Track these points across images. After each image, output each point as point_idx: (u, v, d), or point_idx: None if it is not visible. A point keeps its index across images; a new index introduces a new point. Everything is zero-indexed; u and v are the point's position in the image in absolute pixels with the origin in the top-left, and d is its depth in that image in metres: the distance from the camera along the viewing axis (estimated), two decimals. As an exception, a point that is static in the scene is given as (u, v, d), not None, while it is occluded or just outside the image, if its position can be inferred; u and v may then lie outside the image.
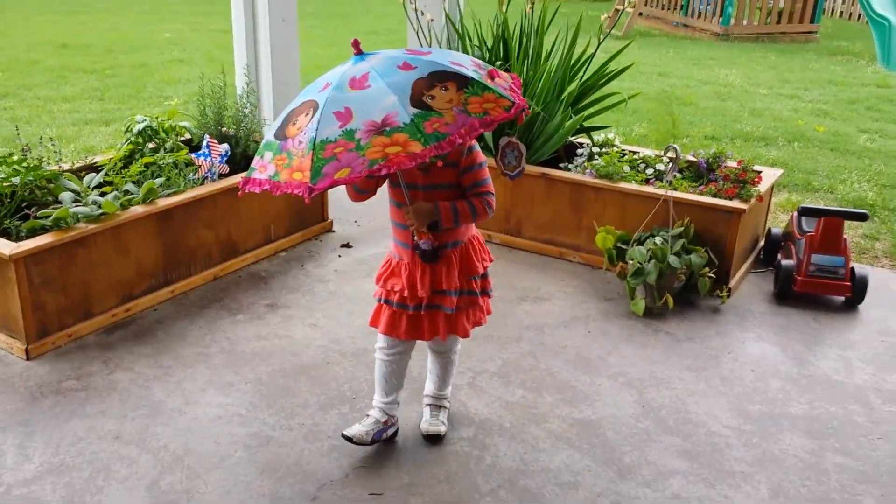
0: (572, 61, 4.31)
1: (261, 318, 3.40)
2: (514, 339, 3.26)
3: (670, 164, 3.79)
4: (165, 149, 3.96)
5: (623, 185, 3.84)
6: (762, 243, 4.15)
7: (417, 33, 4.59)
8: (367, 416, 2.60)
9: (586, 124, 4.45)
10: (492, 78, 2.12)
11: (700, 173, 4.09)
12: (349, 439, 2.51)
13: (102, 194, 3.46)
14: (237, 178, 3.77)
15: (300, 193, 1.90)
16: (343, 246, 4.18)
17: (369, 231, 4.39)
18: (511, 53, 4.45)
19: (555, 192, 4.04)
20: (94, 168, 3.83)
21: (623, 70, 4.41)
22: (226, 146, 3.88)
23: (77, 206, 3.29)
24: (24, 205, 3.40)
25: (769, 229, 4.09)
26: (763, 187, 3.78)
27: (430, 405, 2.70)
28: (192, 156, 3.79)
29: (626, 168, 4.00)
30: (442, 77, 2.02)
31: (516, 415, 2.76)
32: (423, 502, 2.35)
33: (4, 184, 3.38)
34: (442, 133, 1.92)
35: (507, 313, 3.48)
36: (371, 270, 3.87)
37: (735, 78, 8.77)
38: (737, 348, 3.21)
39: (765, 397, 2.88)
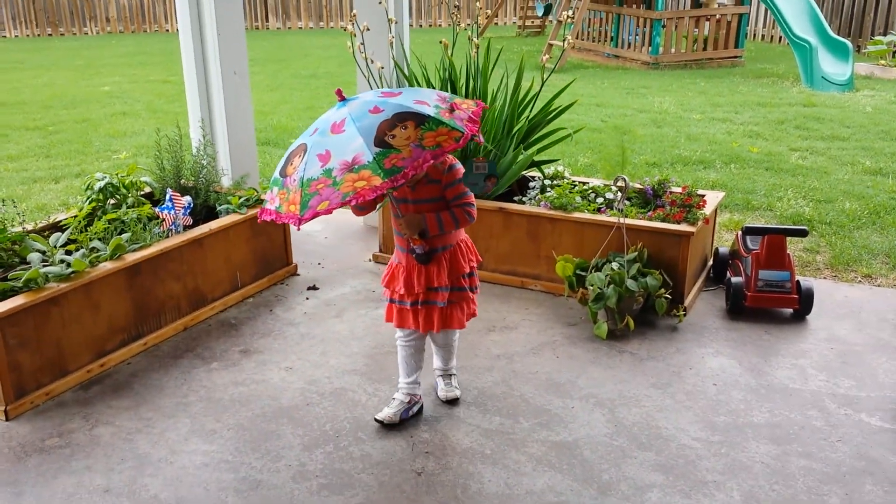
0: (519, 99, 4.51)
1: (235, 365, 3.44)
2: (486, 369, 3.37)
3: (620, 194, 3.98)
4: (127, 204, 4.00)
5: (577, 214, 4.01)
6: (711, 262, 4.37)
7: (368, 79, 4.73)
8: (394, 399, 3.02)
9: (536, 158, 4.64)
10: (451, 111, 2.49)
11: (647, 200, 4.30)
12: (381, 422, 2.94)
13: (68, 252, 3.48)
14: (202, 229, 3.83)
15: (292, 223, 2.32)
16: (309, 288, 4.25)
17: (333, 272, 4.48)
18: (458, 94, 4.62)
19: (512, 224, 4.19)
20: (57, 227, 3.84)
21: (567, 107, 4.61)
22: (188, 198, 3.94)
23: (46, 265, 3.31)
24: (-11, 266, 3.40)
25: (716, 249, 4.32)
26: (708, 210, 3.99)
27: (440, 376, 3.15)
28: (156, 209, 3.84)
29: (578, 198, 4.18)
30: (403, 117, 2.40)
31: (496, 442, 2.86)
32: (416, 532, 2.42)
33: (-31, 247, 3.38)
34: (398, 167, 2.30)
35: (477, 344, 3.59)
36: (339, 311, 3.97)
37: (669, 105, 9.14)
38: (697, 363, 3.39)
39: (728, 408, 3.05)
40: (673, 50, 12.57)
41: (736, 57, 12.64)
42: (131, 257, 3.46)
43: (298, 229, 2.37)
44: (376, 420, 2.95)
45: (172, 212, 3.81)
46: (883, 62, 11.60)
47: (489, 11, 17.56)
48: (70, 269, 3.24)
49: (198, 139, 4.58)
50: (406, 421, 2.98)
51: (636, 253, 3.76)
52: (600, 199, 4.21)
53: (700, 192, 4.13)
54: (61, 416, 3.05)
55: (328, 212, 2.27)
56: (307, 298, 4.14)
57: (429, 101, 2.48)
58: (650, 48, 12.45)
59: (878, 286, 4.17)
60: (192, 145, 4.67)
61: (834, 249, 4.60)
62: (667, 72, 11.96)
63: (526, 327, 3.75)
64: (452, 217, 2.74)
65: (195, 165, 4.31)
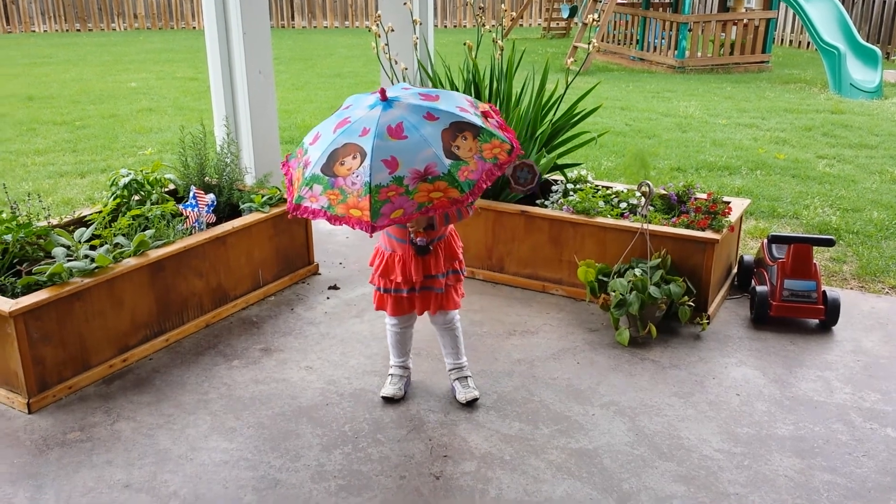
0: (543, 102, 4.49)
1: (256, 363, 3.45)
2: (506, 374, 3.36)
3: (644, 199, 3.95)
4: (151, 201, 4.02)
5: (600, 219, 3.98)
6: (735, 271, 4.32)
7: (392, 80, 4.73)
8: (391, 376, 3.19)
9: (559, 162, 4.61)
10: (487, 118, 2.53)
11: (671, 206, 4.26)
12: (389, 399, 3.12)
13: (92, 248, 3.50)
14: (226, 227, 3.84)
15: (363, 230, 2.33)
16: (330, 288, 4.26)
17: (354, 272, 4.48)
18: (482, 97, 4.61)
19: (534, 228, 4.17)
20: (82, 222, 3.87)
21: (592, 111, 4.60)
22: (212, 196, 3.95)
23: (70, 260, 3.33)
24: (14, 261, 3.44)
25: (741, 257, 4.27)
26: (733, 217, 3.95)
27: (456, 378, 3.16)
28: (180, 207, 3.85)
29: (602, 203, 4.15)
30: (461, 127, 2.44)
31: (515, 447, 2.84)
32: (433, 537, 2.41)
33: (-4, 241, 3.42)
34: (472, 180, 2.39)
35: (497, 348, 3.58)
36: (360, 311, 3.97)
37: (694, 109, 9.07)
38: (720, 373, 3.35)
39: (752, 420, 3.01)
40: (699, 54, 12.47)
41: (763, 62, 12.52)
42: (155, 254, 3.47)
43: (371, 236, 2.43)
44: (383, 398, 3.12)
45: (196, 209, 3.83)
46: (913, 70, 11.44)
47: (514, 13, 17.52)
48: (94, 265, 3.27)
49: (222, 137, 4.60)
50: (421, 421, 2.97)
51: (659, 259, 3.73)
52: (624, 204, 4.17)
53: (725, 198, 4.09)
54: (83, 410, 3.07)
55: (402, 220, 2.35)
56: (328, 298, 4.15)
57: (466, 108, 2.52)
58: (676, 52, 12.36)
59: (907, 298, 4.11)
60: (216, 143, 4.69)
61: (861, 259, 4.54)
62: (692, 76, 11.87)
63: (547, 332, 3.73)
64: (456, 210, 2.77)
65: (219, 163, 4.33)
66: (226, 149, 4.38)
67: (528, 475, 2.69)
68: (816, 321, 3.79)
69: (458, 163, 2.36)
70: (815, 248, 3.83)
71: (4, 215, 3.51)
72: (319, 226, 4.90)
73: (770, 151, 7.09)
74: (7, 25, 18.46)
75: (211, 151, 4.42)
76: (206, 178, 4.31)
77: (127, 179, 4.05)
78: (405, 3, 4.68)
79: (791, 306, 3.72)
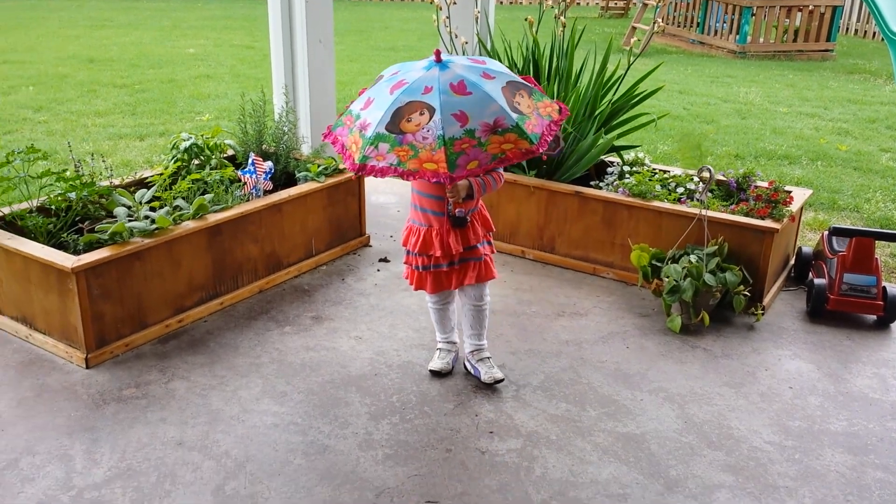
0: (603, 81, 4.42)
1: (307, 330, 3.49)
2: (553, 354, 3.35)
3: (702, 184, 3.88)
4: (211, 165, 4.08)
5: (656, 203, 3.93)
6: (793, 262, 4.23)
7: (451, 54, 4.70)
8: (439, 350, 3.21)
9: (616, 143, 4.55)
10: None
11: (730, 193, 4.18)
12: (437, 373, 3.14)
13: (152, 209, 3.57)
14: (282, 195, 3.88)
15: (443, 181, 2.39)
16: (381, 260, 4.28)
17: (405, 246, 4.49)
18: (541, 74, 4.56)
19: (587, 209, 4.13)
20: (143, 184, 3.94)
21: (653, 93, 4.51)
22: (269, 164, 3.99)
23: (131, 220, 3.40)
24: (77, 219, 3.52)
25: (800, 248, 4.18)
26: (794, 207, 3.86)
27: (479, 360, 3.11)
28: (238, 173, 3.90)
29: (658, 187, 4.09)
30: (516, 86, 2.53)
31: (562, 427, 2.84)
32: (478, 511, 2.43)
33: (60, 198, 3.51)
34: (537, 133, 2.46)
35: (546, 328, 3.56)
36: (409, 285, 3.97)
37: (754, 96, 8.86)
38: (773, 365, 3.29)
39: (804, 414, 2.96)
40: (761, 39, 12.16)
41: (827, 50, 12.16)
42: (213, 218, 3.53)
43: (449, 187, 2.63)
44: (431, 371, 3.15)
45: (254, 176, 3.87)
46: None
47: (572, -9, 17.25)
48: (154, 226, 3.33)
49: (280, 105, 4.64)
50: (468, 396, 2.98)
51: (716, 247, 3.67)
52: (681, 189, 4.10)
53: (787, 188, 3.99)
54: (139, 367, 3.15)
55: (479, 171, 2.43)
56: (378, 270, 4.17)
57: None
58: (738, 36, 12.07)
59: (971, 299, 3.98)
60: (274, 111, 4.73)
61: (924, 257, 4.41)
62: (754, 62, 11.59)
63: (596, 315, 3.70)
64: (492, 180, 2.87)
65: (277, 131, 4.37)
66: (284, 117, 4.41)
67: (573, 456, 2.69)
68: (874, 317, 3.70)
69: (522, 116, 2.44)
70: (877, 242, 3.71)
71: (68, 173, 3.60)
72: (371, 198, 4.93)
73: (832, 142, 6.90)
74: (70, -12, 18.74)
75: (269, 119, 4.45)
76: (264, 145, 4.35)
77: (188, 143, 4.11)
78: (467, -23, 4.64)
79: (849, 301, 3.63)
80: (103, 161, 4.00)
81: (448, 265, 2.93)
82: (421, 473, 2.59)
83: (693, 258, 3.62)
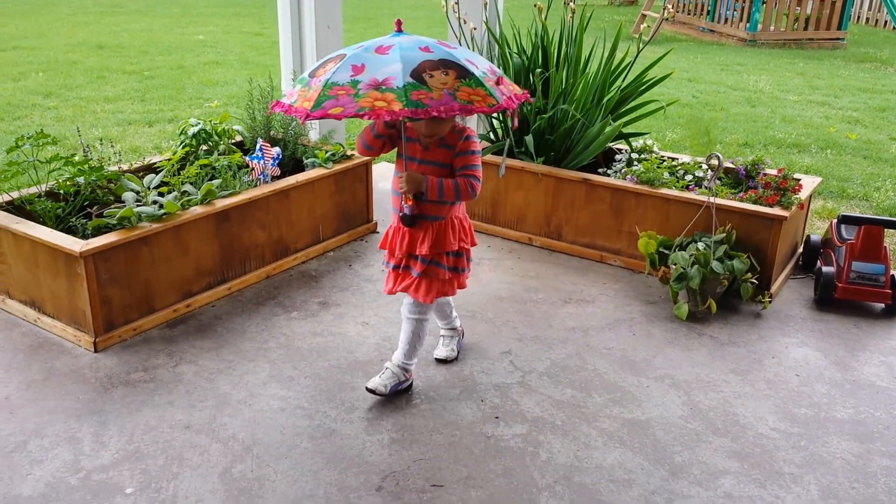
0: (612, 68, 4.40)
1: (314, 316, 3.51)
2: (559, 341, 3.35)
3: (711, 172, 3.86)
4: (219, 151, 4.09)
5: (664, 190, 3.92)
6: (801, 250, 4.22)
7: (459, 40, 4.68)
8: (441, 338, 3.17)
9: (624, 130, 4.53)
10: (497, 83, 2.44)
11: (739, 180, 4.17)
12: (443, 360, 3.13)
13: (160, 194, 3.58)
14: (289, 181, 3.88)
15: (298, 116, 2.31)
16: (388, 247, 4.28)
17: (412, 233, 4.49)
18: (550, 60, 4.54)
19: (595, 196, 4.12)
20: (151, 169, 3.96)
21: (662, 79, 4.49)
22: (277, 149, 3.99)
23: (139, 205, 3.41)
24: (85, 203, 3.54)
25: (808, 236, 4.16)
26: (803, 195, 3.84)
27: (389, 368, 2.92)
28: (246, 158, 3.91)
29: (666, 174, 4.08)
30: (449, 64, 2.35)
31: (567, 413, 2.85)
32: (483, 495, 2.44)
33: (69, 183, 3.52)
34: (424, 104, 2.25)
35: (552, 315, 3.57)
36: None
37: (764, 84, 8.81)
38: (780, 353, 3.29)
39: (810, 401, 2.95)
40: (772, 27, 12.07)
41: (838, 39, 12.07)
42: (221, 203, 3.54)
43: (302, 123, 2.41)
44: (436, 359, 3.13)
45: (262, 161, 3.87)
46: None
47: (582, -22, 17.15)
48: (162, 211, 3.34)
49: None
50: (474, 382, 2.99)
51: (724, 234, 3.65)
52: (689, 177, 4.09)
53: (796, 176, 3.97)
54: (147, 351, 3.16)
55: (337, 117, 2.25)
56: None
57: (478, 64, 2.44)
58: (748, 24, 11.99)
59: (980, 288, 3.96)
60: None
61: (934, 246, 4.38)
62: (764, 50, 11.51)
63: (603, 302, 3.70)
64: (455, 186, 2.63)
65: (285, 118, 4.36)
66: (291, 103, 4.40)
67: (578, 441, 2.69)
68: (882, 306, 3.68)
69: (418, 85, 2.25)
70: (886, 231, 3.70)
71: (77, 158, 3.61)
72: (379, 185, 4.92)
73: (841, 131, 6.86)
74: (79, -25, 18.75)
75: (276, 105, 4.44)
76: (272, 131, 4.35)
77: (196, 129, 4.11)
78: (476, -37, 4.62)
79: (857, 289, 3.62)
80: (112, 146, 4.01)
81: (394, 267, 2.80)
82: (426, 457, 2.60)
83: (701, 245, 3.61)
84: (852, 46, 11.98)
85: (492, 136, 4.75)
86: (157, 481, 2.44)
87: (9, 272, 3.36)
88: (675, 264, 3.57)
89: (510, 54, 4.65)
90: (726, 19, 12.66)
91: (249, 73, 8.54)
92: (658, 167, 4.12)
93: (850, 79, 9.36)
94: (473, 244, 2.85)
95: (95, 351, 3.14)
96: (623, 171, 4.19)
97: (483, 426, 2.77)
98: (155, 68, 8.86)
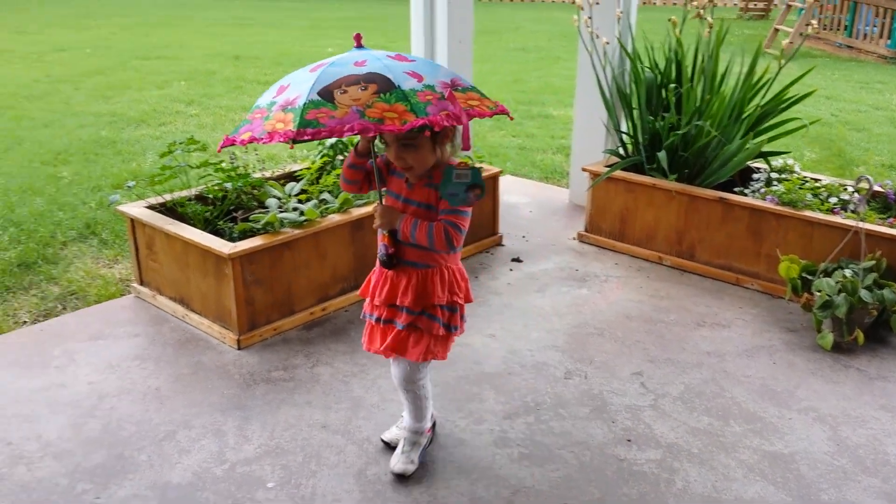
0: (752, 83, 4.25)
1: (442, 326, 3.54)
2: (694, 365, 3.25)
3: (858, 195, 3.66)
4: (354, 160, 4.20)
5: (807, 213, 3.75)
6: (957, 282, 3.94)
7: (591, 55, 4.65)
8: (402, 416, 2.69)
9: (764, 149, 4.37)
10: (441, 98, 2.06)
11: (888, 205, 3.94)
12: (387, 443, 2.68)
13: (300, 202, 3.71)
14: (421, 191, 3.94)
15: (221, 144, 2.10)
16: (513, 260, 4.29)
17: (537, 246, 4.48)
18: (684, 75, 4.43)
19: (731, 216, 3.99)
20: (291, 177, 4.11)
21: (805, 96, 4.31)
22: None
23: (282, 212, 3.55)
24: (231, 208, 3.71)
25: (966, 268, 3.88)
26: (963, 223, 3.59)
27: (405, 437, 2.61)
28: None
29: (809, 196, 3.90)
30: (371, 79, 2.03)
31: (704, 442, 2.76)
32: (616, 518, 2.39)
33: (217, 189, 3.70)
34: (320, 123, 1.94)
35: (685, 337, 3.47)
36: (542, 286, 3.97)
37: (910, 104, 8.31)
38: (936, 391, 3.08)
39: (972, 445, 2.75)
40: (918, 43, 11.38)
41: None
42: (356, 212, 3.63)
43: (219, 151, 2.19)
44: (381, 440, 2.70)
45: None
46: None
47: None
48: (303, 218, 3.46)
49: (421, 104, 4.71)
50: (604, 402, 2.94)
51: (874, 262, 3.46)
52: (833, 199, 3.90)
53: (955, 202, 3.72)
54: (286, 351, 3.28)
55: (244, 143, 2.03)
56: (511, 270, 4.18)
57: (426, 76, 2.08)
58: (889, 41, 11.34)
59: None
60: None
61: None
62: (908, 67, 10.86)
63: (740, 327, 3.57)
64: (429, 230, 2.23)
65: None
66: (424, 115, 4.48)
67: (717, 471, 2.60)
68: None
69: (322, 102, 1.97)
70: None
71: (224, 165, 3.79)
72: (505, 198, 4.94)
73: None
74: (217, -11, 19.79)
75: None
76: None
77: (333, 140, 4.24)
78: (613, -23, 4.57)
79: None
80: (256, 153, 4.19)
81: (375, 319, 2.43)
82: (557, 476, 2.57)
83: (848, 272, 3.43)
84: None
85: (621, 150, 4.68)
86: (296, 477, 2.52)
87: (161, 270, 3.56)
88: (819, 291, 3.41)
89: (642, 69, 4.57)
90: (865, 35, 12.03)
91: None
92: (800, 188, 3.95)
93: None
94: (468, 300, 2.47)
95: (238, 348, 3.28)
96: (762, 190, 4.04)
97: (615, 448, 2.72)
98: (287, 79, 9.21)
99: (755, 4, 16.37)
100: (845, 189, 4.01)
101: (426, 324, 2.36)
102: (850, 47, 12.24)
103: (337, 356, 3.25)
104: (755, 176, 4.29)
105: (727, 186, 4.23)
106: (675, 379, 3.15)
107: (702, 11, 4.37)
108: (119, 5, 17.22)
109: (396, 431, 2.69)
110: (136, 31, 13.24)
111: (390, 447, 2.66)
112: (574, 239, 4.62)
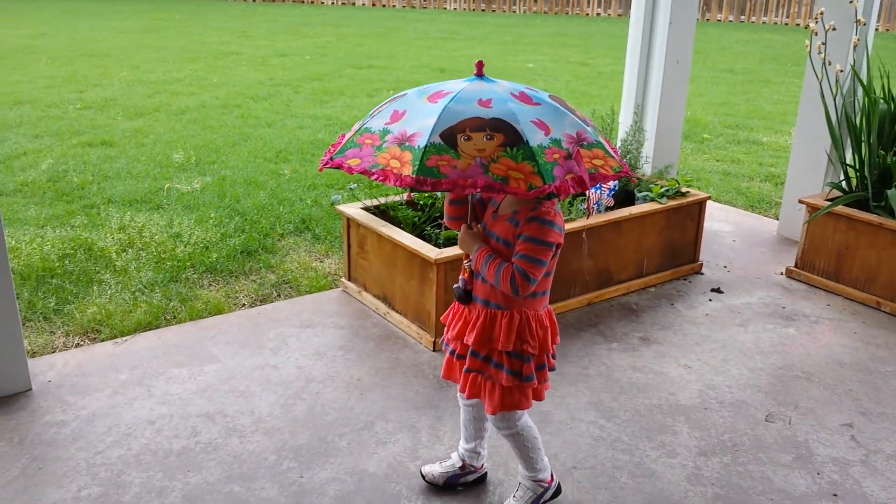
0: None
1: (634, 350, 3.48)
2: (915, 423, 2.98)
3: None
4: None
5: None
6: None
7: (821, 82, 4.39)
8: (450, 456, 2.61)
9: None
10: (568, 157, 1.89)
11: None
12: (423, 476, 2.58)
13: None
14: (623, 213, 3.90)
15: (321, 162, 2.01)
16: (713, 290, 4.13)
17: (740, 278, 4.29)
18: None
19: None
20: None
21: None
22: (614, 181, 4.03)
23: (485, 221, 3.64)
24: (436, 215, 3.85)
25: None
26: None
27: (520, 483, 2.47)
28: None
29: None
30: (498, 126, 1.85)
31: (923, 508, 2.52)
32: (818, 577, 2.24)
33: (426, 196, 3.85)
34: (441, 172, 1.81)
35: (905, 393, 3.18)
36: (744, 320, 3.79)
37: None
38: None
39: None
40: None
41: None
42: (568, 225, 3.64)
43: (320, 170, 2.04)
44: (421, 472, 2.60)
45: (599, 191, 3.94)
46: None
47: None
48: (506, 229, 3.52)
49: (629, 124, 4.67)
50: (809, 451, 2.76)
51: None
52: None
53: None
54: (479, 358, 3.36)
55: (350, 170, 1.91)
56: (710, 300, 4.03)
57: (553, 128, 1.91)
58: None
59: None
60: (618, 128, 4.77)
61: None
62: None
63: (971, 388, 3.22)
64: (497, 268, 2.07)
65: (623, 150, 4.40)
66: (632, 136, 4.44)
67: (938, 543, 2.37)
68: None
69: (445, 148, 1.82)
70: None
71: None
72: (707, 224, 4.77)
73: None
74: (424, 1, 20.65)
75: (612, 136, 4.50)
76: (607, 162, 4.40)
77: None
78: (851, 1, 4.29)
79: None
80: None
81: (451, 352, 2.30)
82: (753, 521, 2.45)
83: None
84: None
85: (844, 184, 4.37)
86: (482, 485, 2.57)
87: (368, 268, 3.76)
88: None
89: (875, 100, 4.25)
90: None
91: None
92: None
93: None
94: (546, 350, 2.22)
95: (433, 350, 3.39)
96: None
97: (818, 501, 2.55)
98: (489, 92, 9.42)
99: None
100: None
101: (493, 371, 2.20)
102: None
103: (529, 369, 3.28)
104: None
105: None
106: (891, 435, 2.89)
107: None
108: (336, 15, 18.38)
109: (438, 469, 2.57)
110: (350, 41, 14.07)
111: (424, 479, 2.57)
112: (781, 274, 4.37)
